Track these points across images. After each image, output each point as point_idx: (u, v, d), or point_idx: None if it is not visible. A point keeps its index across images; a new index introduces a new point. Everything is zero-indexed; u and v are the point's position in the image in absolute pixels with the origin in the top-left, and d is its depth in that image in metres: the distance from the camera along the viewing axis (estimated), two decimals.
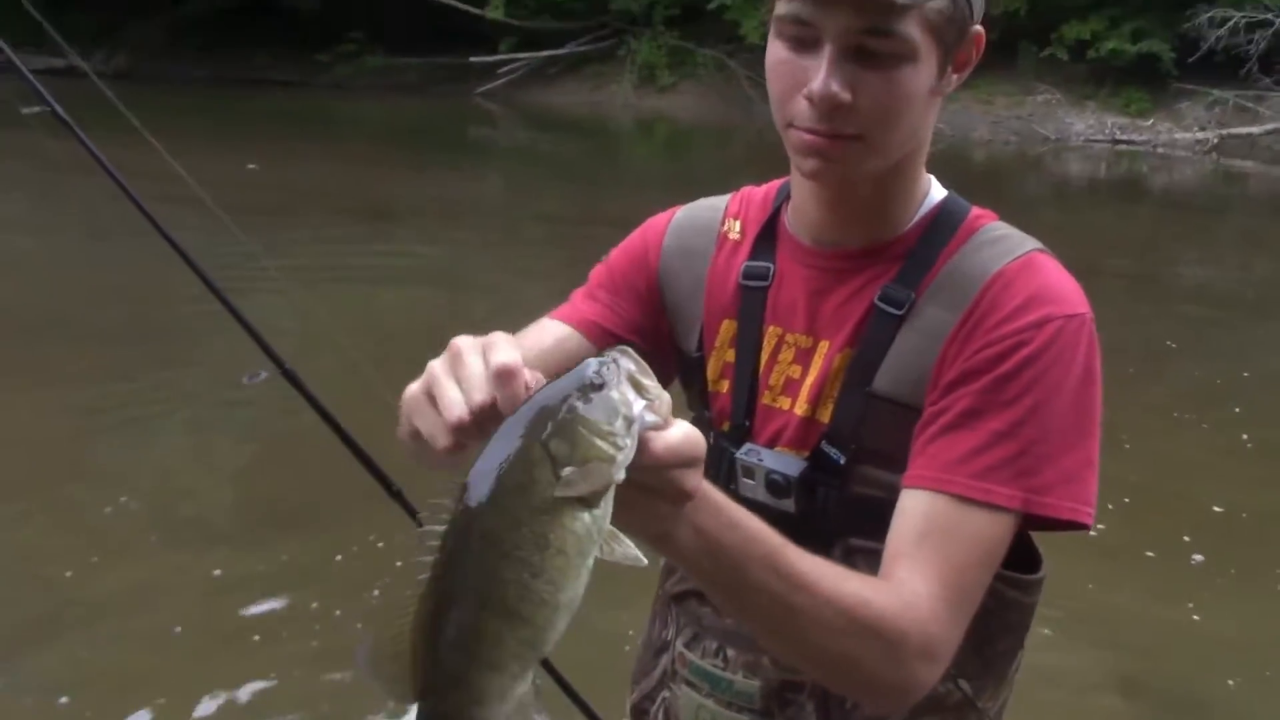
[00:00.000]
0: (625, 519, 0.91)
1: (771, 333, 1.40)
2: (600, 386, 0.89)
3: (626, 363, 0.91)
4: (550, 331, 1.47)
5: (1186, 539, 4.67)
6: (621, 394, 0.89)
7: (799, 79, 1.21)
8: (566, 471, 0.87)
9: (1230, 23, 20.22)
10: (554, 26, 26.21)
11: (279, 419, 4.93)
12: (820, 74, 1.18)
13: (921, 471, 1.23)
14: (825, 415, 1.34)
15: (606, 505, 0.89)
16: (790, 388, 1.38)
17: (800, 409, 1.35)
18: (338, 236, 10.29)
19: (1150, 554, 4.54)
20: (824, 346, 1.36)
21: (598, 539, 0.90)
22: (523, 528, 0.88)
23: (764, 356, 1.40)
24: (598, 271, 1.56)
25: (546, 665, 1.54)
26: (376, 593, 3.95)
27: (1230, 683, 3.86)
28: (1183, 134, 20.74)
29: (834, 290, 1.36)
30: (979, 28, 1.26)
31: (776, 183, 1.49)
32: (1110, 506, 4.45)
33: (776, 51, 1.24)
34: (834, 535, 1.32)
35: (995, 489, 1.20)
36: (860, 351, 1.32)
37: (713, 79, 25.19)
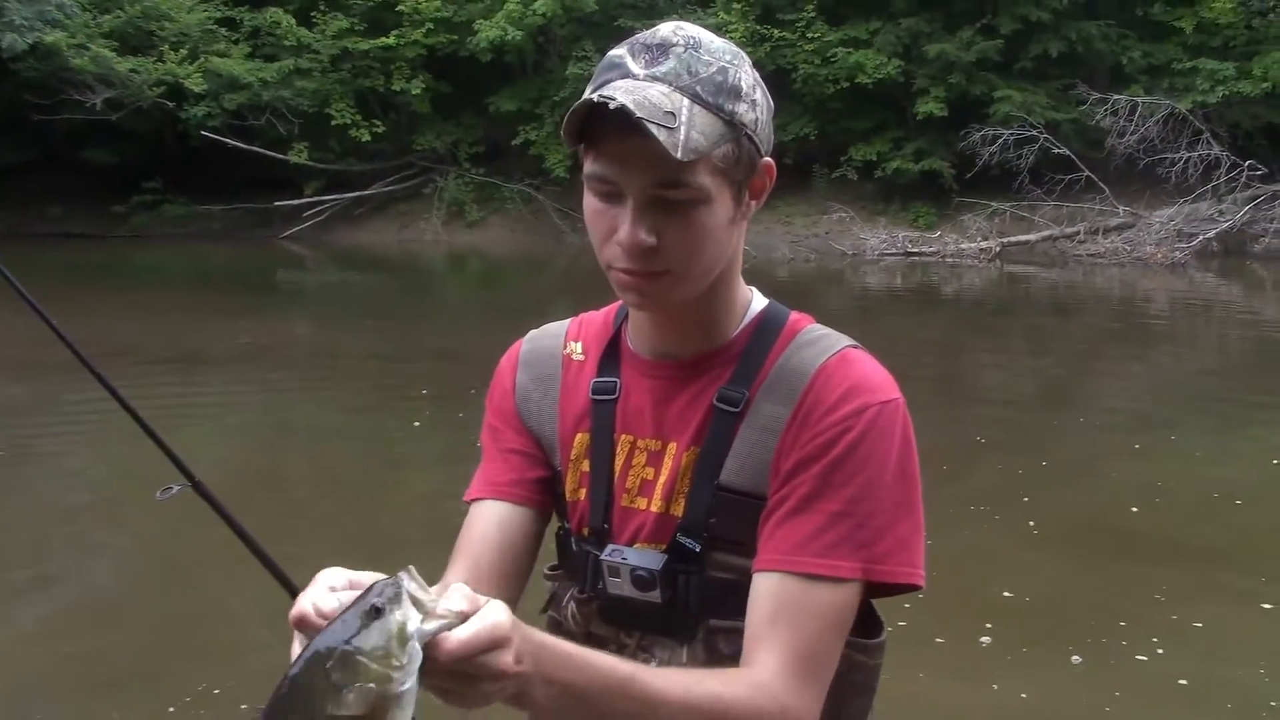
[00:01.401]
0: (465, 702, 1.06)
1: (624, 440, 1.51)
2: (379, 612, 1.00)
3: (407, 583, 1.02)
4: (485, 518, 1.57)
5: (978, 623, 4.89)
6: (398, 616, 1.00)
7: (611, 226, 1.35)
8: (347, 695, 0.98)
9: (1000, 140, 21.75)
10: (360, 168, 26.33)
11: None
12: (626, 224, 1.33)
13: (770, 556, 1.36)
14: (679, 509, 1.45)
15: (399, 710, 0.99)
16: (645, 488, 1.48)
17: (655, 506, 1.46)
18: (149, 387, 9.99)
19: (940, 640, 4.73)
20: (672, 447, 1.47)
21: None
22: None
23: (618, 463, 1.51)
24: (484, 436, 1.65)
25: None
26: None
27: None
28: (968, 244, 22.03)
29: (676, 396, 1.48)
30: (768, 160, 1.41)
31: (614, 305, 1.61)
32: (907, 605, 4.66)
33: (591, 203, 1.38)
34: (697, 618, 1.43)
35: (839, 563, 1.34)
36: (705, 449, 1.44)
37: (521, 212, 25.65)
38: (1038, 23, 23.42)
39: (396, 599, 1.00)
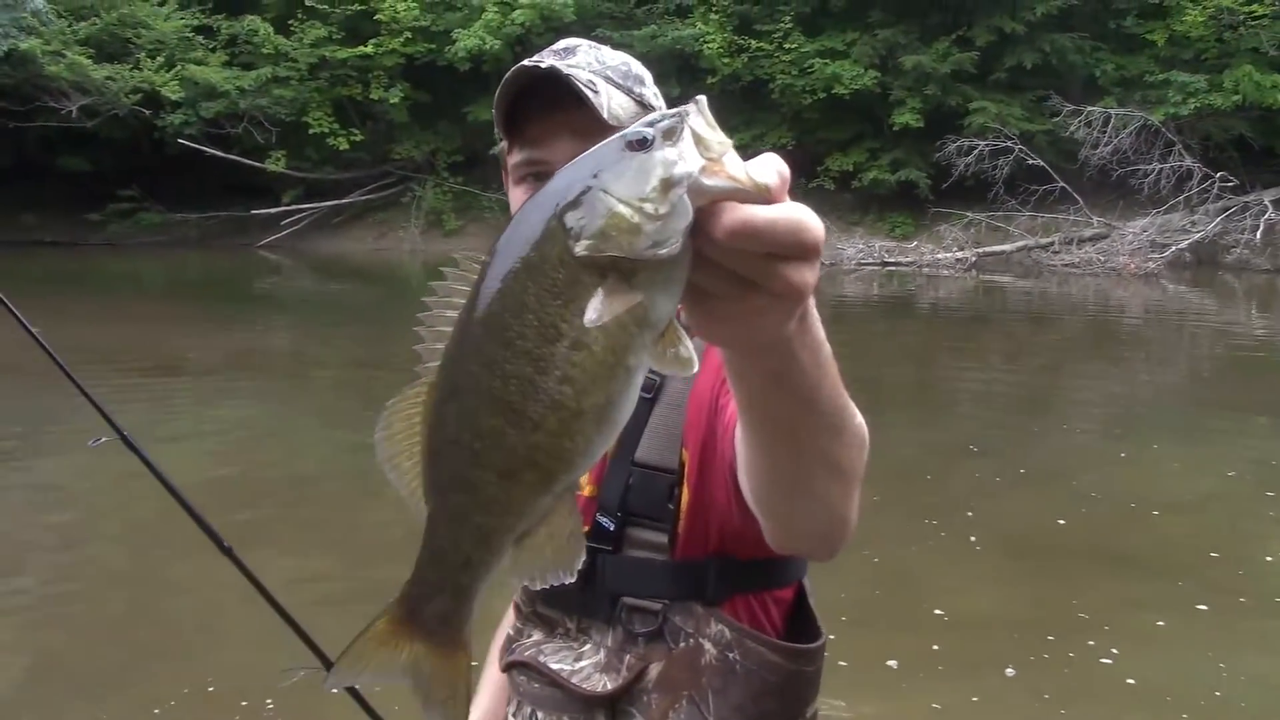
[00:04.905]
0: (711, 323, 0.80)
1: None
2: (643, 144, 0.75)
3: (694, 117, 0.76)
4: None
5: (920, 640, 4.94)
6: (669, 153, 0.74)
7: None
8: (581, 246, 0.75)
9: (976, 151, 21.92)
10: (338, 177, 26.30)
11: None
12: None
13: None
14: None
15: (652, 294, 0.75)
16: None
17: (587, 491, 1.48)
18: (127, 392, 9.98)
19: (892, 664, 4.74)
20: None
21: (639, 336, 0.76)
22: (527, 313, 0.76)
23: None
24: None
25: None
26: None
27: None
28: (944, 254, 22.18)
29: None
30: None
31: None
32: (844, 618, 4.72)
33: (518, 196, 1.43)
34: (613, 596, 1.46)
35: None
36: (624, 433, 1.47)
37: (499, 221, 25.56)
38: (1012, 34, 23.64)
39: (673, 132, 0.75)
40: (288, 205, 25.65)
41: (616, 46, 1.52)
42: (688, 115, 0.76)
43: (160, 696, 4.30)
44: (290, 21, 26.12)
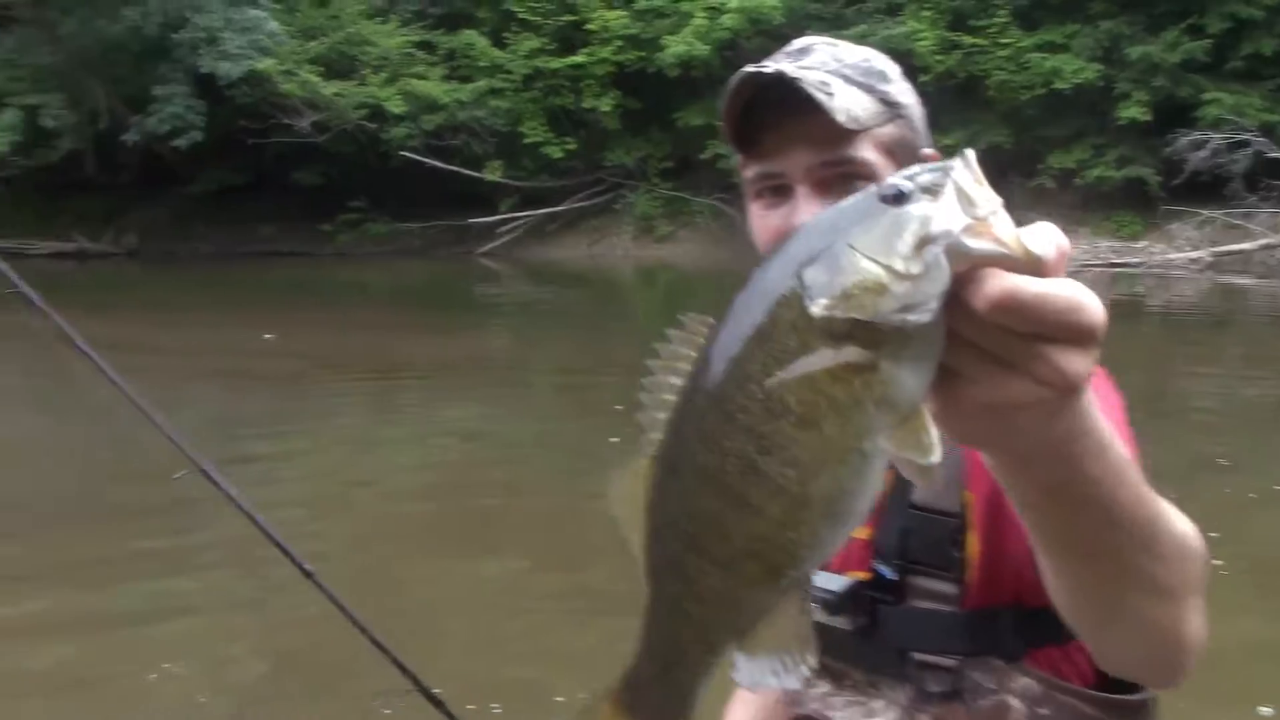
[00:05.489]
0: (957, 409, 0.69)
1: None
2: (899, 198, 0.66)
3: (959, 171, 0.67)
4: None
5: None
6: (927, 209, 0.66)
7: (780, 226, 1.32)
8: (819, 306, 0.66)
9: (1210, 144, 20.74)
10: (552, 185, 26.85)
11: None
12: (798, 214, 1.29)
13: None
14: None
15: (894, 367, 0.65)
16: None
17: (862, 533, 1.38)
18: (355, 398, 10.44)
19: None
20: None
21: (877, 418, 0.66)
22: (751, 384, 0.68)
23: None
24: None
25: None
26: None
27: None
28: (1176, 254, 21.06)
29: None
30: (928, 150, 1.37)
31: None
32: None
33: (757, 211, 1.37)
34: (900, 650, 1.34)
35: None
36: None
37: (710, 225, 25.70)
38: (1249, 20, 22.29)
39: (935, 188, 0.66)
40: (505, 214, 26.31)
41: None
42: (952, 170, 0.67)
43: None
44: (504, 34, 26.81)
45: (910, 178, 0.67)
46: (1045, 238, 0.67)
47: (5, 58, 24.88)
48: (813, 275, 0.66)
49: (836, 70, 1.32)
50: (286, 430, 8.85)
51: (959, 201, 0.66)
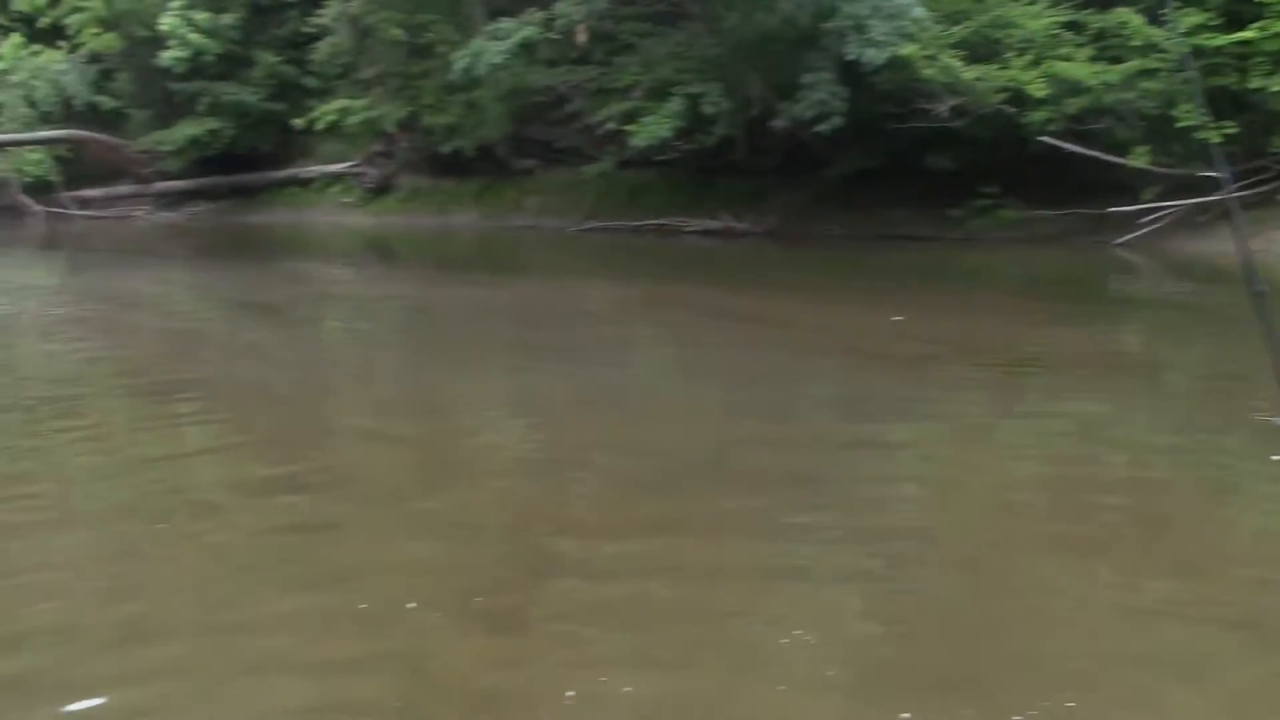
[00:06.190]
0: None
1: None
2: None
3: None
4: None
5: None
6: None
7: None
8: None
9: None
10: (1204, 173, 24.69)
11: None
12: None
13: None
14: None
15: None
16: None
17: None
18: (979, 385, 10.32)
19: None
20: None
21: None
22: None
23: None
24: None
25: None
26: None
27: None
28: None
29: None
30: None
31: None
32: None
33: None
34: None
35: None
36: None
37: None
38: None
39: None
40: (1148, 203, 24.63)
41: None
42: None
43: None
44: (1162, 11, 24.96)
45: None
46: None
47: (674, 50, 27.32)
48: None
49: None
50: (910, 413, 9.01)
51: None
